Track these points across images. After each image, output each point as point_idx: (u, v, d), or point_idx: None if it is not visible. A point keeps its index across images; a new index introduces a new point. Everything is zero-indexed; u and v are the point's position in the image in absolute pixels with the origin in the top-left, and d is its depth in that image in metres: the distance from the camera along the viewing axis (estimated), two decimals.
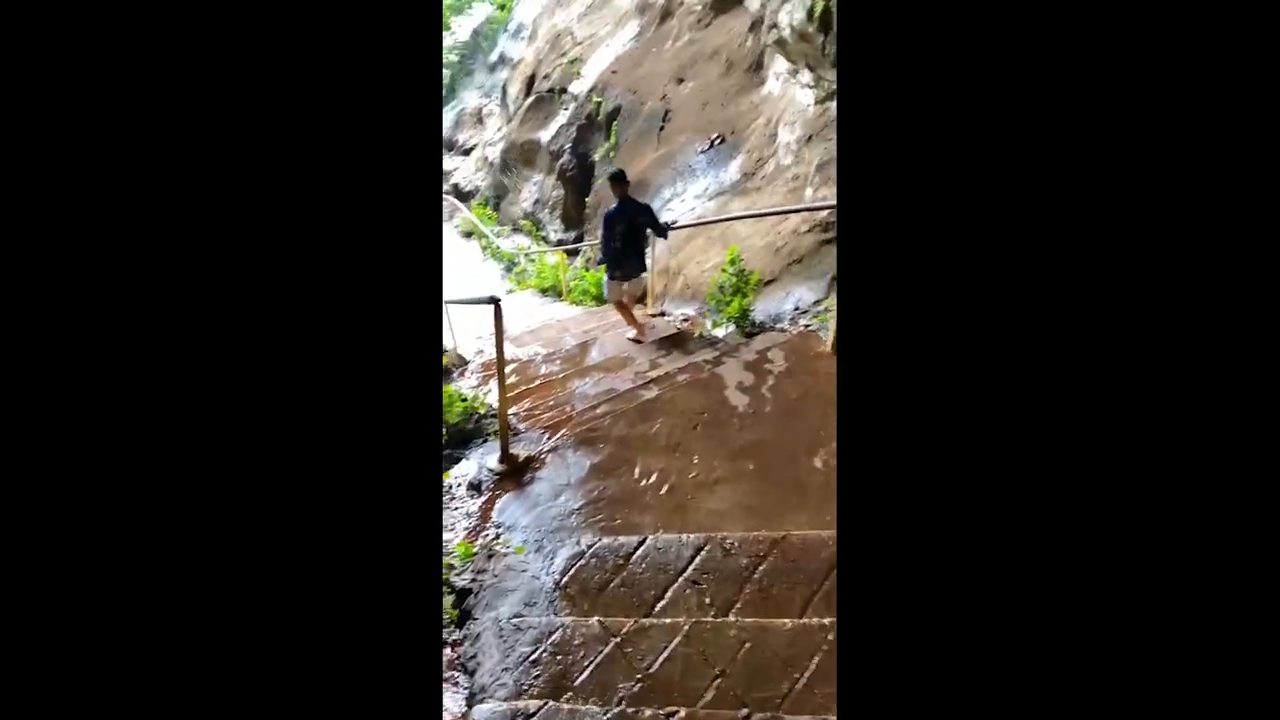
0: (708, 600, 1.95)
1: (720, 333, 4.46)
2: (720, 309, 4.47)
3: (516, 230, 11.66)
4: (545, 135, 10.88)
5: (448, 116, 17.36)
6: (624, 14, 10.96)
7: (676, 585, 2.01)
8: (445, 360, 4.85)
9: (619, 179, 4.38)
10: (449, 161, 15.85)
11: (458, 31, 19.63)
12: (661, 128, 8.28)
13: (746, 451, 2.74)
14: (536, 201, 11.16)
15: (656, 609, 1.94)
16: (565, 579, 2.09)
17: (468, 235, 12.53)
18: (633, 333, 4.49)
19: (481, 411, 3.71)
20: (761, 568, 2.02)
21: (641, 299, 5.04)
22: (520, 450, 2.93)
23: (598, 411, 3.29)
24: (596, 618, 1.89)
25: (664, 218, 6.94)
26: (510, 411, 3.68)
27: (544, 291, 8.46)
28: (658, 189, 7.44)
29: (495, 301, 2.92)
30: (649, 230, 4.49)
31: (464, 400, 3.75)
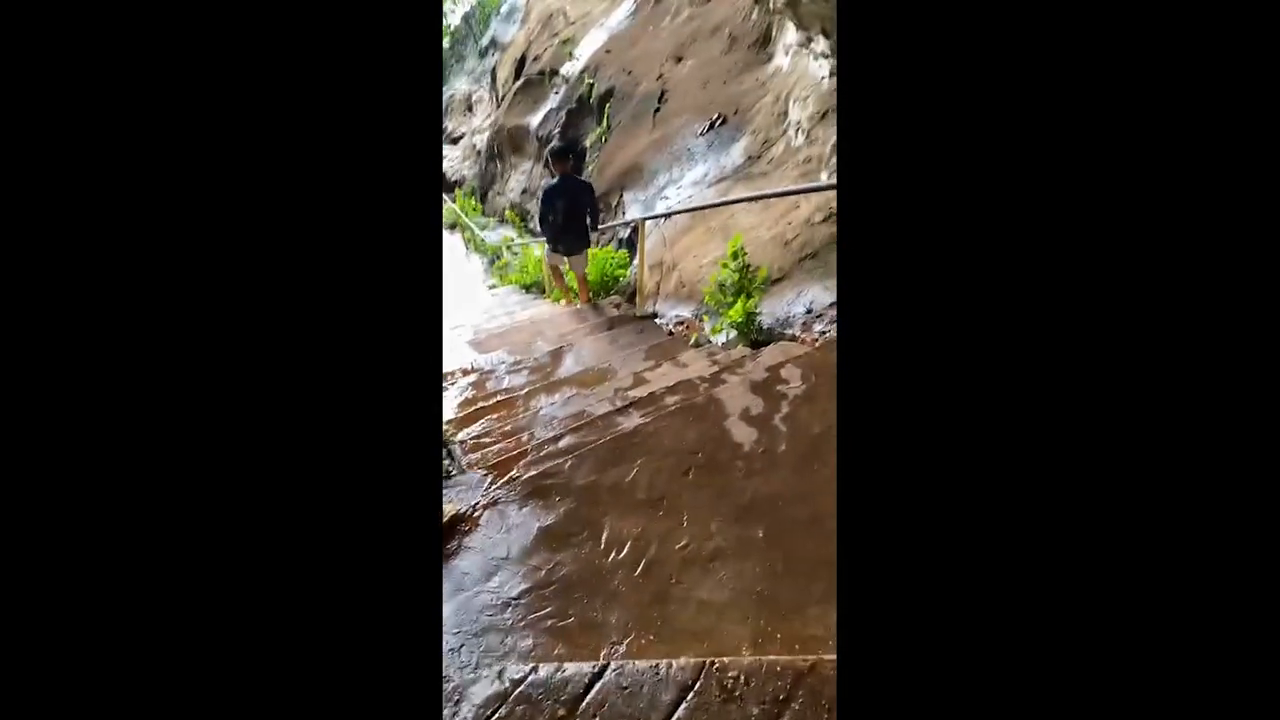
0: None
1: (720, 340, 3.72)
2: (720, 311, 3.73)
3: (503, 222, 10.90)
4: (534, 120, 10.12)
5: None
6: None
7: None
8: None
9: (560, 154, 4.43)
10: None
11: (450, 16, 18.85)
12: (657, 109, 7.53)
13: (754, 511, 2.00)
14: (524, 191, 10.41)
15: None
16: None
17: (451, 227, 11.77)
18: (550, 307, 4.78)
19: None
20: None
21: (589, 289, 5.12)
22: (450, 502, 2.18)
23: (560, 445, 2.54)
24: None
25: (659, 207, 6.19)
26: (454, 440, 2.94)
27: (526, 288, 7.71)
28: (652, 175, 6.69)
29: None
30: (587, 213, 4.52)
31: None
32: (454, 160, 14.29)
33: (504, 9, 14.90)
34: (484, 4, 16.99)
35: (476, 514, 2.10)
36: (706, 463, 2.23)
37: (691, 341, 3.75)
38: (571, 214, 4.33)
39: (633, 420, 2.64)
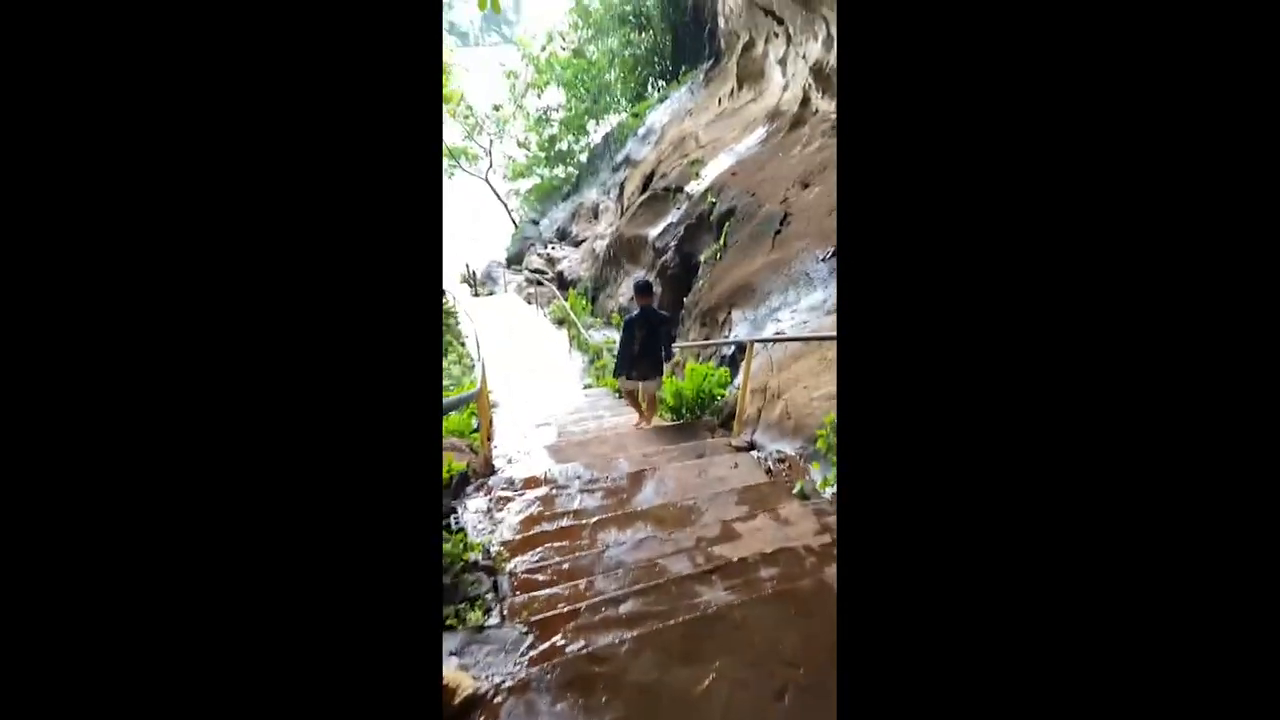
0: None
1: (830, 494, 3.14)
2: (835, 460, 3.17)
3: (609, 324, 10.96)
4: (653, 232, 10.33)
5: (566, 208, 17.69)
6: (753, 120, 10.53)
7: None
8: (464, 464, 3.82)
9: (644, 289, 4.82)
10: (560, 251, 15.86)
11: (593, 135, 20.56)
12: (778, 231, 7.35)
13: None
14: (633, 298, 10.48)
15: None
16: None
17: (559, 323, 12.01)
18: (635, 418, 5.06)
19: (470, 559, 2.56)
20: None
21: (651, 405, 5.24)
22: (472, 668, 1.71)
23: (622, 611, 2.03)
24: None
25: (769, 329, 5.81)
26: (505, 567, 2.51)
27: (620, 393, 7.45)
28: (765, 295, 6.38)
29: None
30: (664, 341, 4.77)
31: (452, 534, 2.64)
32: (573, 261, 14.91)
33: (641, 131, 15.96)
34: (624, 126, 18.41)
35: (497, 699, 1.61)
36: (811, 685, 1.64)
37: (796, 490, 3.19)
38: (648, 343, 4.61)
39: (716, 593, 2.10)
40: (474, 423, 5.53)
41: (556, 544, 2.75)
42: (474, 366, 9.46)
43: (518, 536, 2.84)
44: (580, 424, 5.96)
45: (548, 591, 2.27)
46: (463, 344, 11.35)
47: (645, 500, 3.21)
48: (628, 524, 2.88)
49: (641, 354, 4.67)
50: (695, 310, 7.80)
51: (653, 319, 4.73)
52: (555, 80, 20.03)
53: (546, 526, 2.94)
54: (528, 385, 8.64)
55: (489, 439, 4.86)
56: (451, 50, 20.78)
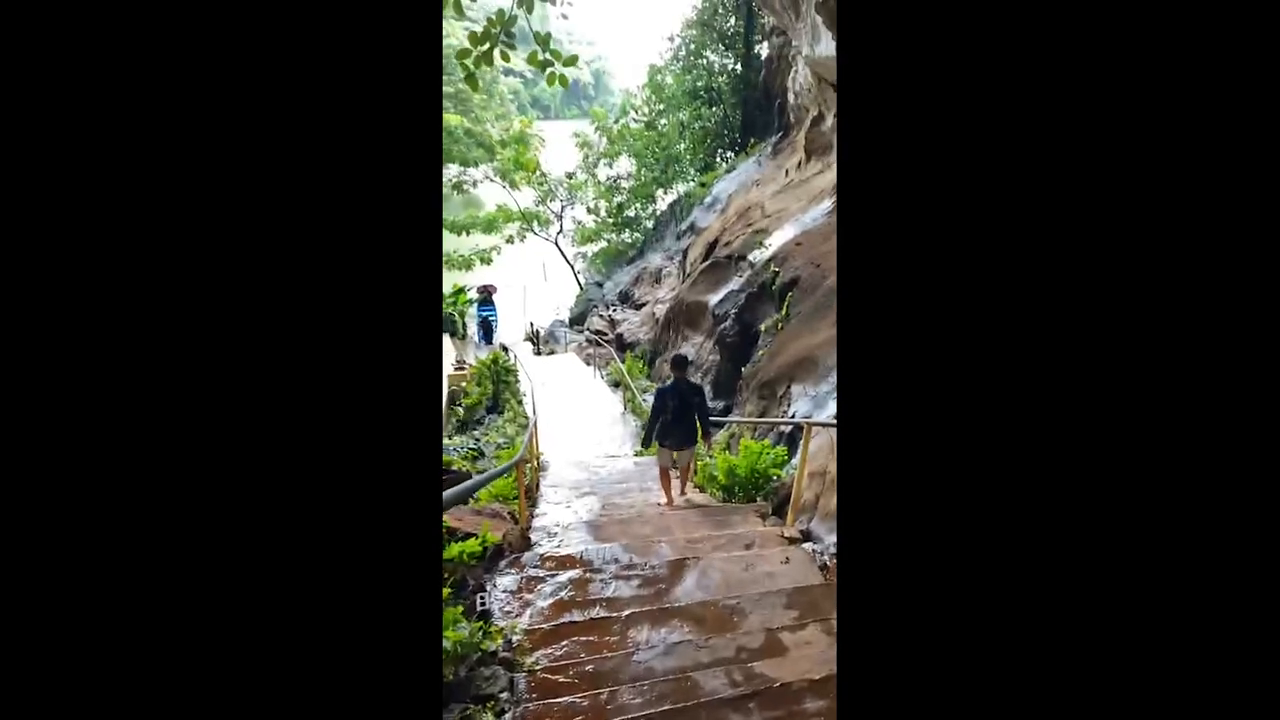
0: None
1: None
2: None
3: None
4: (713, 298, 10.26)
5: (629, 272, 17.99)
6: (819, 192, 10.47)
7: None
8: (500, 535, 3.67)
9: (680, 364, 4.91)
10: (621, 313, 16.04)
11: (660, 203, 21.09)
12: None
13: None
14: (690, 363, 10.34)
15: None
16: None
17: (615, 385, 11.96)
18: (664, 500, 4.98)
19: (489, 648, 2.36)
20: None
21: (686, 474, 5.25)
22: None
23: None
24: None
25: (831, 407, 5.51)
26: (526, 663, 2.30)
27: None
28: (828, 372, 6.10)
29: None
30: (698, 414, 4.83)
31: (470, 624, 2.46)
32: (633, 325, 15.01)
33: (707, 200, 16.22)
34: (690, 194, 18.81)
35: None
36: None
37: None
38: (681, 413, 4.72)
39: None
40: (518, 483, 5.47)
41: (584, 638, 2.52)
42: (528, 425, 9.48)
43: (544, 625, 2.64)
44: (626, 495, 5.74)
45: (567, 699, 2.04)
46: (519, 402, 11.43)
47: (685, 594, 2.95)
48: (663, 621, 2.63)
49: (674, 423, 4.75)
50: (753, 382, 7.56)
51: (685, 390, 4.80)
52: (627, 150, 20.82)
53: (576, 616, 2.72)
54: (578, 448, 8.52)
55: (529, 508, 4.71)
56: (532, 121, 22.04)
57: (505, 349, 14.22)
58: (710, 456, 6.08)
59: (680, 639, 2.44)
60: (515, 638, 2.52)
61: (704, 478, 5.85)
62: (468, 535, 3.58)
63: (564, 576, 3.14)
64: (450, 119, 21.97)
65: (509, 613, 2.80)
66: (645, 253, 18.68)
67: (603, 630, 2.57)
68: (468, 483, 3.21)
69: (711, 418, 5.41)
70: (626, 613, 2.72)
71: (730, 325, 9.15)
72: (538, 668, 2.26)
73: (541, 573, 3.20)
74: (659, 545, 3.58)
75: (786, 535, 3.77)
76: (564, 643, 2.49)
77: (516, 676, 2.22)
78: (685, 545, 3.56)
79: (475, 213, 22.43)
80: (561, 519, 4.60)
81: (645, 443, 5.18)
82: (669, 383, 4.90)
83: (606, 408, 10.88)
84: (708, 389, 9.39)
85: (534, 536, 3.89)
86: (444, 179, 26.55)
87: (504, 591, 2.99)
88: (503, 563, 3.37)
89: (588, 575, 3.15)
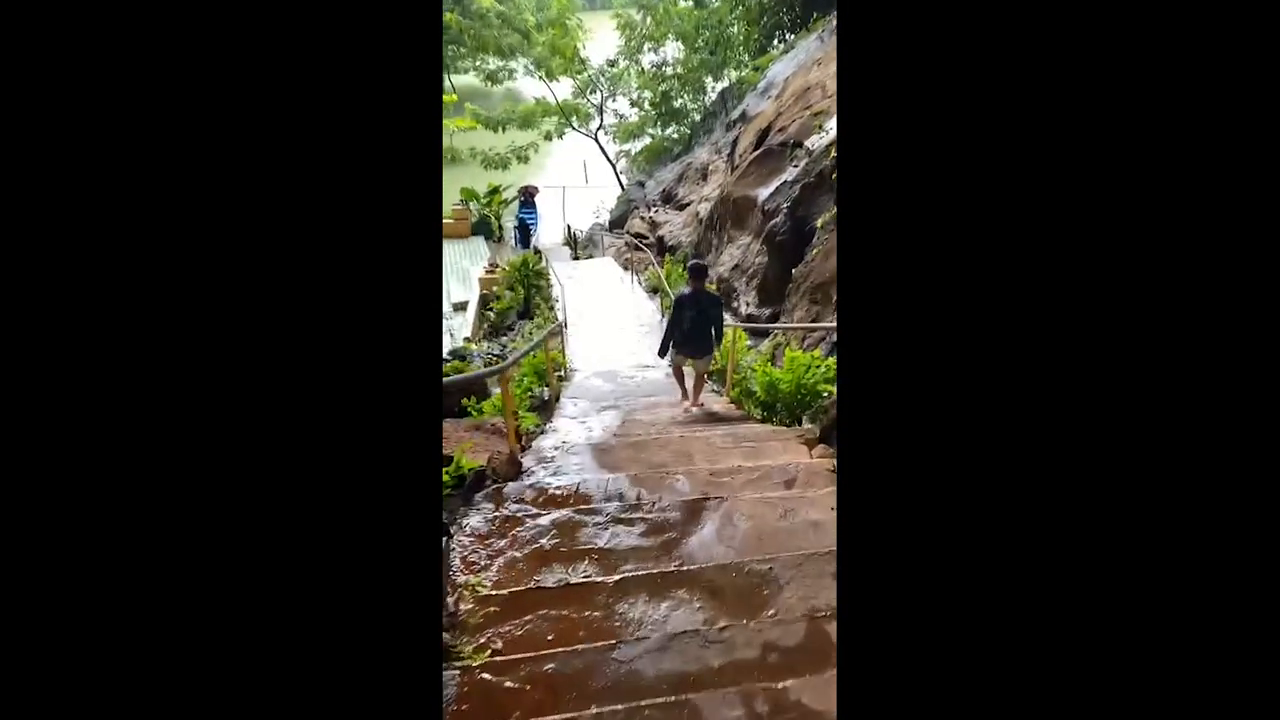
0: None
1: None
2: None
3: None
4: (763, 192, 9.06)
5: (673, 170, 16.57)
6: None
7: None
8: (485, 460, 3.01)
9: (698, 272, 4.76)
10: (663, 214, 14.86)
11: (710, 94, 19.17)
12: None
13: None
14: (735, 267, 9.32)
15: None
16: None
17: (653, 291, 11.09)
18: (685, 404, 4.92)
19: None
20: None
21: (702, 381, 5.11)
22: None
23: None
24: None
25: None
26: (466, 651, 1.64)
27: (706, 375, 6.44)
28: None
29: None
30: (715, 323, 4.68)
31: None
32: (675, 226, 13.87)
33: (761, 85, 14.44)
34: (743, 81, 16.90)
35: None
36: None
37: None
38: (698, 323, 4.62)
39: None
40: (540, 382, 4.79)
41: (556, 612, 1.86)
42: (556, 332, 8.82)
43: (507, 590, 1.98)
44: (651, 410, 5.04)
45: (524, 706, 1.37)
46: (550, 308, 10.76)
47: (699, 550, 2.23)
48: (665, 591, 1.93)
49: (690, 334, 4.64)
50: (805, 284, 6.57)
51: (703, 301, 4.67)
52: (673, 32, 18.76)
53: (551, 577, 2.05)
54: (609, 358, 7.84)
55: (543, 422, 4.05)
56: (575, 12, 19.95)
57: (538, 252, 13.41)
58: (750, 370, 5.27)
59: (685, 625, 1.74)
60: (465, 605, 1.88)
61: (740, 393, 5.06)
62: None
63: (549, 518, 2.46)
64: (482, 1, 20.10)
65: (472, 565, 2.16)
66: (692, 148, 17.11)
67: (583, 601, 1.90)
68: None
69: (754, 325, 5.27)
70: (618, 575, 2.04)
71: (781, 221, 8.03)
72: (477, 662, 1.60)
73: (523, 511, 2.53)
74: (675, 479, 2.85)
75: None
76: (528, 617, 1.83)
77: (446, 674, 1.56)
78: (708, 479, 2.82)
79: (510, 106, 20.97)
80: (571, 438, 3.94)
81: (661, 352, 4.95)
82: (688, 292, 4.75)
83: (643, 315, 10.09)
84: (753, 294, 8.42)
85: (529, 461, 3.22)
86: (480, 69, 24.88)
87: (470, 536, 2.34)
88: (479, 495, 2.72)
89: (580, 517, 2.47)
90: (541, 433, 4.27)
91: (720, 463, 3.08)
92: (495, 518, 2.48)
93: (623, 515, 2.48)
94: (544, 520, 2.45)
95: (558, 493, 2.73)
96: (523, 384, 5.82)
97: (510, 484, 2.85)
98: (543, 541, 2.32)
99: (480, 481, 2.91)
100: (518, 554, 2.25)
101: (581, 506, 2.57)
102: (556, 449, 3.41)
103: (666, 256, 12.29)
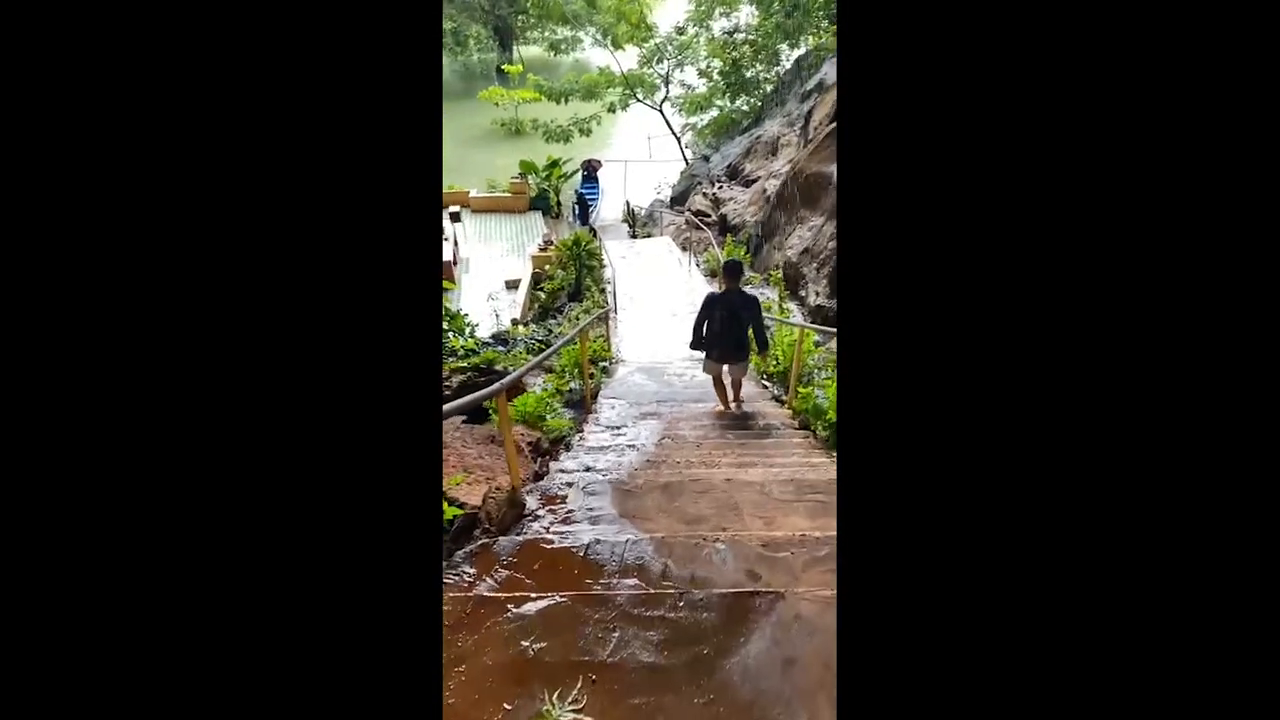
0: None
1: None
2: None
3: (767, 283, 9.02)
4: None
5: (741, 143, 15.51)
6: None
7: None
8: (481, 496, 2.40)
9: (733, 270, 4.40)
10: (727, 190, 13.90)
11: (785, 62, 17.87)
12: None
13: None
14: (804, 251, 8.40)
15: None
16: None
17: (712, 275, 10.28)
18: (719, 408, 4.68)
19: None
20: None
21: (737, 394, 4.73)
22: None
23: None
24: None
25: None
26: None
27: (767, 377, 5.66)
28: None
29: None
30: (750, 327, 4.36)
31: None
32: (740, 204, 12.92)
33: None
34: (821, 48, 15.56)
35: None
36: None
37: None
38: (728, 324, 4.32)
39: None
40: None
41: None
42: (608, 319, 8.21)
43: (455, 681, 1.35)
44: (697, 422, 4.33)
45: None
46: (601, 290, 10.14)
47: (742, 684, 1.53)
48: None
49: (722, 336, 4.33)
50: None
51: (736, 302, 4.33)
52: None
53: (524, 711, 1.41)
54: (658, 349, 7.15)
55: (536, 446, 3.41)
56: None
57: (593, 231, 12.78)
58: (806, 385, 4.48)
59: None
60: None
61: (805, 405, 4.27)
62: None
63: (539, 606, 1.82)
64: None
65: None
66: (761, 120, 15.95)
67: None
68: None
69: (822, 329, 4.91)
70: (622, 713, 1.37)
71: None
72: None
73: (506, 592, 1.90)
74: (714, 546, 2.15)
75: None
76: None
77: None
78: (759, 553, 2.11)
79: (574, 77, 20.26)
80: (598, 463, 3.28)
81: (693, 345, 4.56)
82: (719, 292, 4.48)
83: (699, 302, 9.32)
84: (823, 283, 7.51)
85: (533, 502, 2.58)
86: (546, 39, 24.25)
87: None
88: (461, 553, 2.11)
89: (580, 608, 1.81)
90: (566, 446, 3.65)
91: (777, 524, 2.35)
92: (469, 599, 1.85)
93: (639, 609, 1.80)
94: (531, 608, 1.81)
95: (560, 556, 2.08)
96: (563, 377, 5.24)
97: (503, 538, 2.22)
98: (525, 643, 1.68)
99: (470, 529, 2.30)
100: (488, 661, 1.62)
101: (585, 590, 1.92)
102: (571, 484, 2.76)
103: (728, 237, 11.40)
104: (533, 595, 1.85)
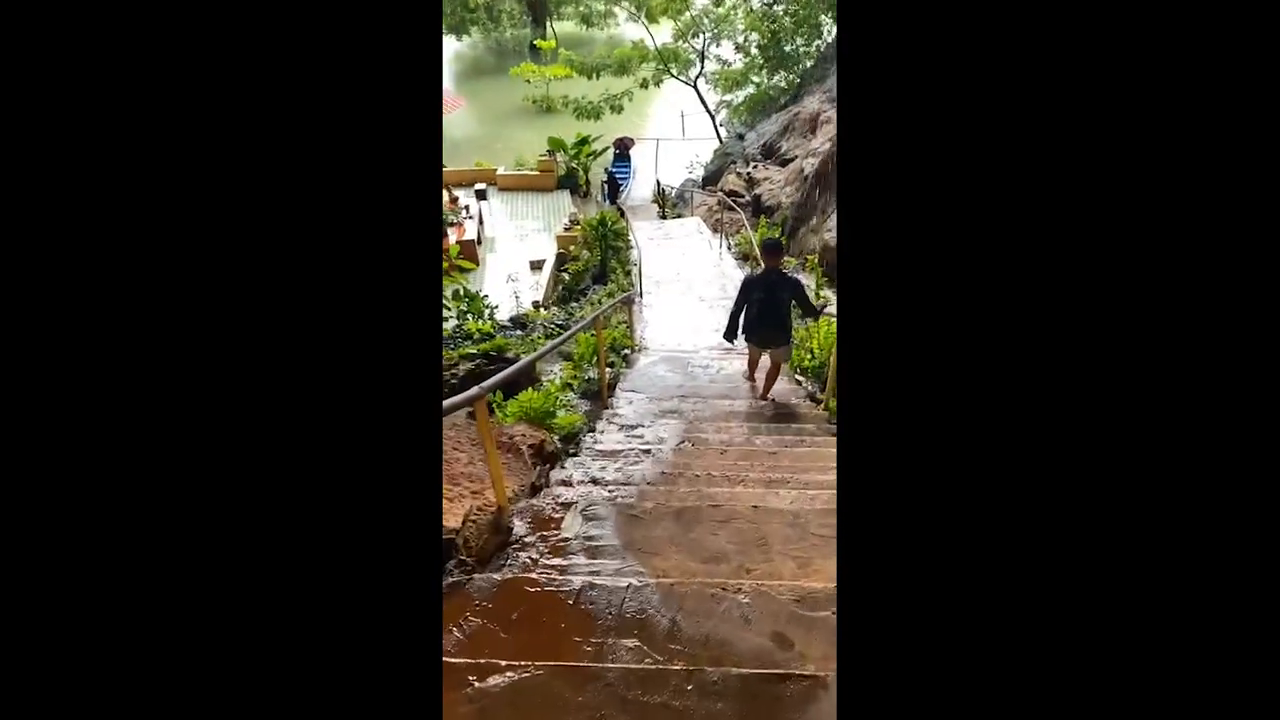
0: None
1: None
2: None
3: (803, 267, 8.46)
4: None
5: (778, 120, 14.78)
6: None
7: None
8: (460, 518, 2.02)
9: (773, 249, 4.26)
10: (762, 170, 13.25)
11: (827, 35, 16.97)
12: None
13: None
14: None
15: None
16: None
17: (744, 259, 9.74)
18: (757, 392, 4.51)
19: None
20: None
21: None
22: None
23: None
24: None
25: None
26: None
27: (800, 371, 5.18)
28: None
29: None
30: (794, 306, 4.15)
31: None
32: (775, 184, 12.27)
33: None
34: None
35: None
36: None
37: None
38: (768, 306, 4.07)
39: None
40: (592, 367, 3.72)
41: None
42: (632, 303, 7.77)
43: None
44: (722, 424, 3.89)
45: None
46: (626, 273, 9.69)
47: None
48: None
49: (761, 319, 4.10)
50: None
51: (775, 282, 4.08)
52: None
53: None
54: (682, 337, 6.70)
55: (541, 449, 3.01)
56: None
57: (621, 211, 12.30)
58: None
59: None
60: None
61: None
62: None
63: (504, 681, 1.42)
64: None
65: None
66: (800, 97, 15.16)
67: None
68: None
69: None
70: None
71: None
72: None
73: (467, 655, 1.51)
74: (735, 597, 1.72)
75: None
76: None
77: None
78: (790, 611, 1.67)
79: (606, 51, 19.63)
80: (605, 473, 2.88)
81: (726, 335, 4.28)
82: (758, 272, 4.30)
83: (729, 287, 8.80)
84: None
85: (521, 526, 2.19)
86: (579, 12, 23.57)
87: None
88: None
89: (560, 689, 1.41)
90: (574, 450, 3.26)
91: (814, 567, 1.91)
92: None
93: (634, 692, 1.40)
94: (498, 682, 1.42)
95: (545, 602, 1.69)
96: (580, 366, 4.85)
97: (479, 576, 1.84)
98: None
99: (445, 558, 1.92)
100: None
101: (570, 655, 1.52)
102: (570, 504, 2.35)
103: (762, 219, 10.81)
104: (502, 663, 1.45)
